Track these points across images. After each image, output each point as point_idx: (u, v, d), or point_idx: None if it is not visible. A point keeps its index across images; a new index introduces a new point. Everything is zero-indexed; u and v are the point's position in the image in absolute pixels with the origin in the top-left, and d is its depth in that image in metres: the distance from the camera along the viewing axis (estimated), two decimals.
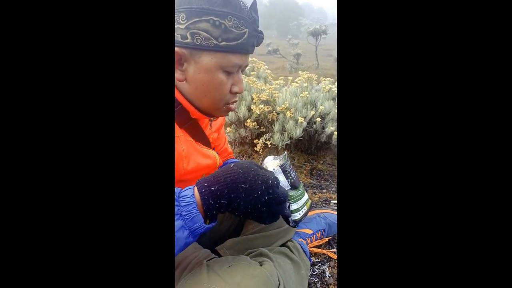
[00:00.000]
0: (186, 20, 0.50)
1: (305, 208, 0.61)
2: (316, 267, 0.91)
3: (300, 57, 6.63)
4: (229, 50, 0.53)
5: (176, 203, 0.43)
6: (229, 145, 1.18)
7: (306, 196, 0.62)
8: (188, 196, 0.44)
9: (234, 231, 0.84)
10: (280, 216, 0.55)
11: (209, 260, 0.62)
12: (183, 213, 0.43)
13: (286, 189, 0.57)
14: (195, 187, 0.46)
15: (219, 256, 0.75)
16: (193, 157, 0.62)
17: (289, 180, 0.57)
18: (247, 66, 0.59)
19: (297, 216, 0.59)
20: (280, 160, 0.59)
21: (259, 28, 0.57)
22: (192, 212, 0.43)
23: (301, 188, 0.61)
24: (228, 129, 1.63)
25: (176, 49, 0.52)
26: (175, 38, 0.52)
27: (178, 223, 0.42)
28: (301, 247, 0.84)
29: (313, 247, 0.94)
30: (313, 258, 0.93)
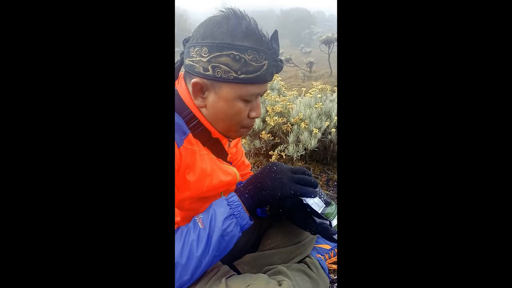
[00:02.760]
0: (208, 54, 0.53)
1: None
2: (336, 284, 0.88)
3: (313, 65, 6.63)
4: (248, 82, 0.55)
5: (228, 207, 0.56)
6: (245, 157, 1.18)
7: None
8: (236, 200, 0.57)
9: (252, 246, 0.83)
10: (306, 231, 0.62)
11: (228, 277, 0.61)
12: (235, 213, 0.56)
13: (322, 207, 0.59)
14: (236, 194, 0.59)
15: (237, 271, 0.75)
16: (216, 175, 0.64)
17: (322, 199, 0.59)
18: (265, 91, 0.61)
19: None
20: None
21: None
22: (241, 212, 0.56)
23: (334, 204, 0.61)
24: (243, 140, 1.64)
25: (198, 79, 0.56)
26: (198, 70, 0.55)
27: (232, 221, 0.55)
28: (320, 263, 0.82)
29: (332, 263, 0.92)
30: (332, 275, 0.91)
